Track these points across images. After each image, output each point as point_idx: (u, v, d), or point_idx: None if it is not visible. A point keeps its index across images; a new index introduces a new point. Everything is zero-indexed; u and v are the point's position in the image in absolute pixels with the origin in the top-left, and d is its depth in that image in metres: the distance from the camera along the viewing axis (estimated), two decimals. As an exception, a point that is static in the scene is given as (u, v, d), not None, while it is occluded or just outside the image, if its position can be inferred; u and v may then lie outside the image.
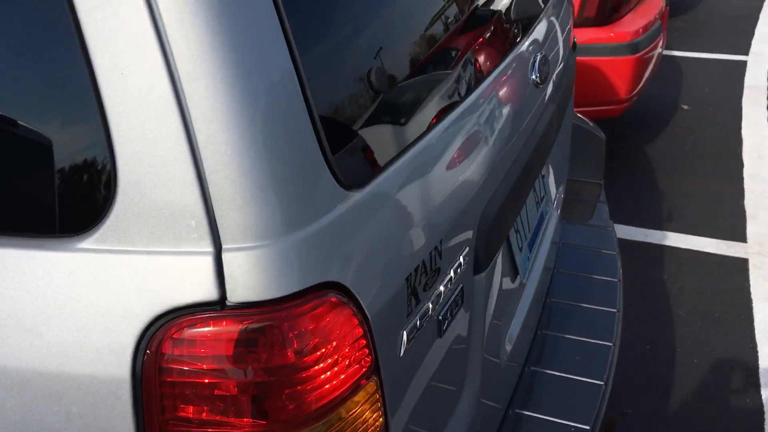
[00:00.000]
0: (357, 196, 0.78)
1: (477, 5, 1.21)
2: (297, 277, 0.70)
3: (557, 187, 1.79)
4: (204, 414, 0.71)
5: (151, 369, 0.69)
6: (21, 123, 0.73)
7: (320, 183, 0.74)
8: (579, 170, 2.10)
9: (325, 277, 0.72)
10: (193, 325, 0.69)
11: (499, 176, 1.12)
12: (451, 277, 0.94)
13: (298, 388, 0.71)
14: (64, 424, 0.72)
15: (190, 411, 0.71)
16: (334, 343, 0.73)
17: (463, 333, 1.03)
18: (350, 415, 0.76)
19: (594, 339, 1.56)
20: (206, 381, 0.70)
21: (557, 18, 1.58)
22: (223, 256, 0.68)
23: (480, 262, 1.04)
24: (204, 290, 0.68)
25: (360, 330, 0.75)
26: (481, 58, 1.18)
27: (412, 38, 0.97)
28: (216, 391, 0.70)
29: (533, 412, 1.32)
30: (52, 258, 0.71)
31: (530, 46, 1.37)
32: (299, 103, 0.72)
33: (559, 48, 1.57)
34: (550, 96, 1.47)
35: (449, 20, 1.07)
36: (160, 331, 0.69)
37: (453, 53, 1.07)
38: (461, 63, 1.08)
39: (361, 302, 0.75)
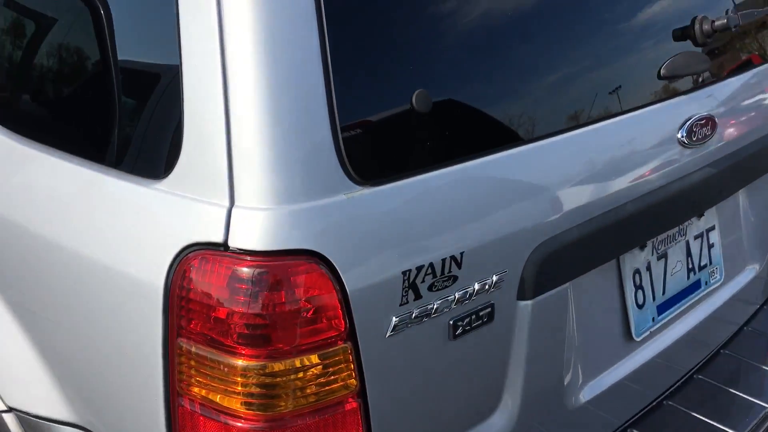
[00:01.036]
0: (365, 191, 0.94)
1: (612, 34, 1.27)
2: (284, 238, 0.88)
3: (745, 264, 1.68)
4: (204, 329, 0.93)
5: (175, 283, 0.93)
6: (137, 104, 1.03)
7: (328, 172, 0.91)
8: None
9: (310, 246, 0.89)
10: (206, 258, 0.91)
11: (577, 219, 1.16)
12: (474, 289, 1.04)
13: (275, 322, 0.89)
14: (109, 310, 1.01)
15: (195, 325, 0.93)
16: (310, 299, 0.90)
17: (492, 352, 1.11)
18: (323, 363, 0.92)
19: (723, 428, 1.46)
20: (207, 303, 0.92)
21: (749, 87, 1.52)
22: (232, 211, 0.90)
23: (525, 289, 1.11)
24: (215, 234, 0.90)
25: (335, 296, 0.91)
26: (599, 98, 1.24)
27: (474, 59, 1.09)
28: (212, 313, 0.92)
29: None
30: (139, 190, 0.99)
31: (689, 104, 1.36)
32: (323, 108, 0.91)
33: (742, 116, 1.51)
34: (713, 162, 1.43)
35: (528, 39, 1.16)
36: (186, 258, 0.93)
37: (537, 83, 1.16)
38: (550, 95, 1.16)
39: (341, 275, 0.91)
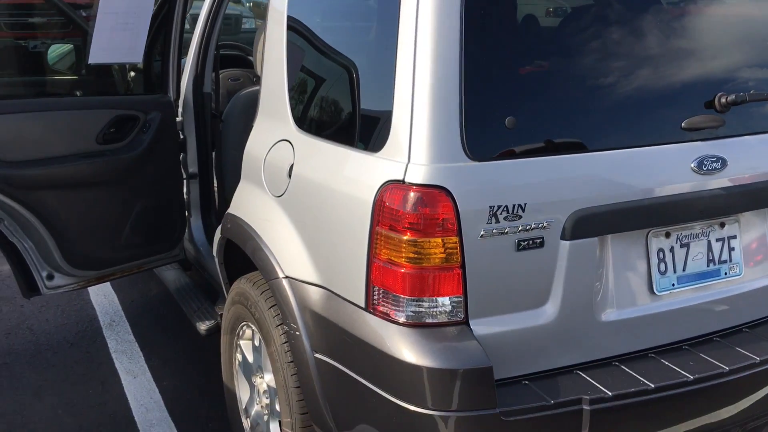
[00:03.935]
0: (474, 163, 1.89)
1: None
2: (431, 179, 1.85)
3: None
4: (390, 222, 1.91)
5: (378, 199, 1.94)
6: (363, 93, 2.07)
7: (455, 150, 1.87)
8: None
9: (444, 184, 1.85)
10: (394, 187, 1.91)
11: (605, 202, 2.00)
12: (531, 225, 1.94)
13: (424, 220, 1.86)
14: (345, 214, 2.03)
15: (385, 219, 1.92)
16: (441, 211, 1.86)
17: (543, 266, 1.98)
18: (444, 245, 1.87)
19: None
20: (392, 208, 1.91)
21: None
22: (408, 165, 1.89)
23: (565, 234, 1.97)
24: (399, 175, 1.90)
25: (453, 212, 1.86)
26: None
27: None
28: (394, 214, 1.90)
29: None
30: (368, 157, 2.02)
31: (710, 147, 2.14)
32: (457, 114, 1.88)
33: (750, 161, 2.24)
34: (723, 188, 2.18)
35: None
36: (385, 187, 1.93)
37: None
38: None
39: (457, 202, 1.86)
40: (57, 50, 3.63)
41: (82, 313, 4.28)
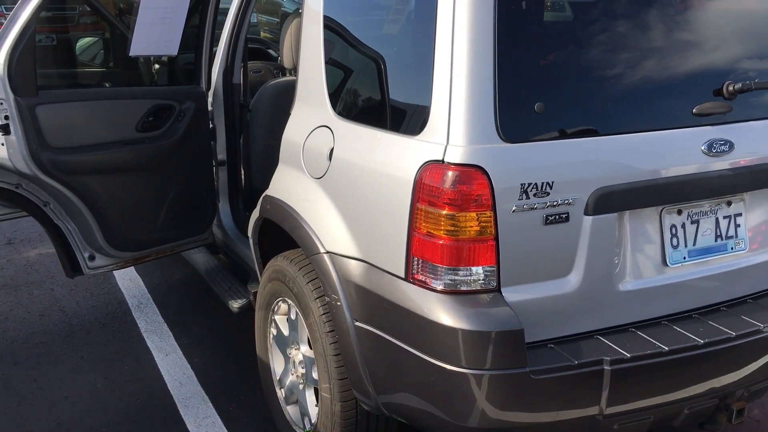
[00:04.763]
0: (507, 144, 2.08)
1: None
2: (468, 159, 2.04)
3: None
4: (429, 198, 2.10)
5: (419, 177, 2.13)
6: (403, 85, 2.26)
7: (490, 132, 2.06)
8: None
9: (480, 163, 2.04)
10: (433, 167, 2.10)
11: (623, 180, 2.20)
12: (558, 201, 2.13)
13: (461, 197, 2.05)
14: (387, 192, 2.22)
15: (425, 195, 2.11)
16: (477, 188, 2.05)
17: (568, 239, 2.17)
18: (479, 219, 2.06)
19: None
20: (431, 185, 2.09)
21: None
22: (447, 147, 2.08)
23: (588, 209, 2.17)
24: (438, 156, 2.09)
25: (488, 190, 2.05)
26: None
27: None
28: (433, 191, 2.09)
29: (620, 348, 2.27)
30: (409, 140, 2.21)
31: (721, 131, 2.34)
32: (491, 101, 2.07)
33: (756, 145, 2.44)
34: (729, 169, 2.37)
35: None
36: (425, 166, 2.12)
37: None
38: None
39: (492, 180, 2.05)
40: (88, 43, 3.81)
41: (111, 296, 4.47)
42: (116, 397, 3.42)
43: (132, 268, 4.75)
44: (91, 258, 3.31)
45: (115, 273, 4.69)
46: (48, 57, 3.40)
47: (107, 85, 3.78)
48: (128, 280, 4.67)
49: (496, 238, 2.10)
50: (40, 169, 2.97)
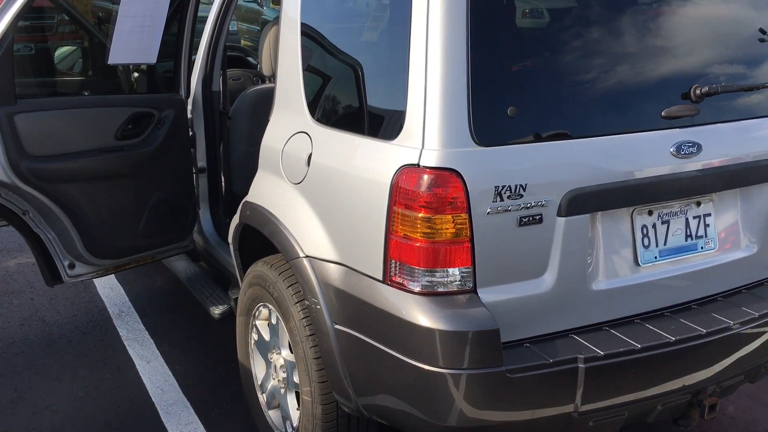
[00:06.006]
0: (480, 147, 2.12)
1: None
2: (443, 162, 2.09)
3: (739, 246, 2.60)
4: (405, 201, 2.15)
5: (395, 181, 2.17)
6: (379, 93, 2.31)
7: (464, 137, 2.10)
8: None
9: (454, 167, 2.09)
10: (409, 170, 2.14)
11: (595, 182, 2.25)
12: (531, 203, 2.18)
13: (436, 200, 2.10)
14: (364, 196, 2.25)
15: (401, 199, 2.15)
16: (452, 191, 2.09)
17: (542, 240, 2.22)
18: (454, 221, 2.10)
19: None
20: (407, 189, 2.14)
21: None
22: (422, 150, 2.12)
23: (561, 211, 2.22)
24: (414, 159, 2.13)
25: (463, 192, 2.10)
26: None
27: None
28: (409, 194, 2.14)
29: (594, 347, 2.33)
30: (385, 145, 2.24)
31: (689, 134, 2.40)
32: (465, 105, 2.11)
33: (724, 147, 2.50)
34: (698, 170, 2.44)
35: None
36: (401, 170, 2.16)
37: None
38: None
39: (466, 183, 2.10)
40: (67, 52, 3.82)
41: (91, 305, 4.46)
42: (98, 406, 3.42)
43: (113, 276, 4.74)
44: (71, 266, 3.32)
45: (96, 281, 4.68)
46: (26, 66, 3.40)
47: (86, 93, 3.79)
48: (109, 289, 4.67)
49: (472, 240, 2.14)
50: (18, 177, 2.98)
